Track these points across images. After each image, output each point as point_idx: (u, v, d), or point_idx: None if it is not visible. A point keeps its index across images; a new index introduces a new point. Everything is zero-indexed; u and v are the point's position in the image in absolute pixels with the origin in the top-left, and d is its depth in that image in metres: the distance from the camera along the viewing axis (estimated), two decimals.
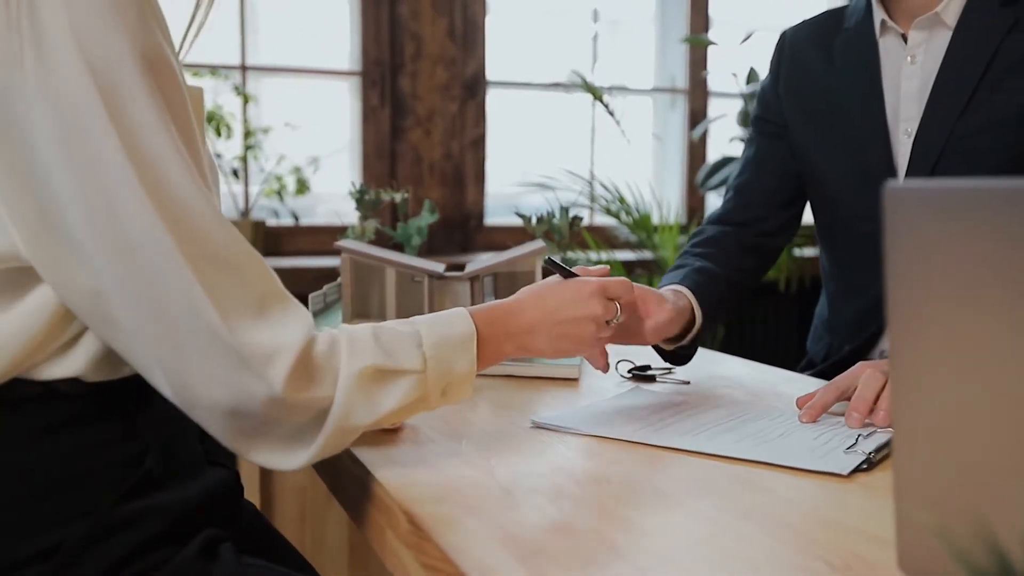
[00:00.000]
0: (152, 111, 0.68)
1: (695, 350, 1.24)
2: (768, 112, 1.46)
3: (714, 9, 3.20)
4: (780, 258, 2.71)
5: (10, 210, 0.69)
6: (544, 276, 1.00)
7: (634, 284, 1.02)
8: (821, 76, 1.38)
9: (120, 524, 0.74)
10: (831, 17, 1.42)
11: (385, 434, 0.91)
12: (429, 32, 2.79)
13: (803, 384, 1.21)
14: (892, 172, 1.29)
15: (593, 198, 2.82)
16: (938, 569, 0.57)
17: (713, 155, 3.15)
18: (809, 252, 2.96)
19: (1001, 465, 0.53)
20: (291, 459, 0.74)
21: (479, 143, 2.89)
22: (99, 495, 0.75)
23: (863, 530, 0.68)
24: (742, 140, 2.99)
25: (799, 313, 3.05)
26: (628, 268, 2.69)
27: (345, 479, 0.88)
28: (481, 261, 1.37)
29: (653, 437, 0.91)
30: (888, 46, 1.32)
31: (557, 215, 1.50)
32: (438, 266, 1.36)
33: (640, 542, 0.66)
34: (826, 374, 1.29)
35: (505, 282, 1.37)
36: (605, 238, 2.78)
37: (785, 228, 1.44)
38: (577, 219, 1.48)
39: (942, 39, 1.26)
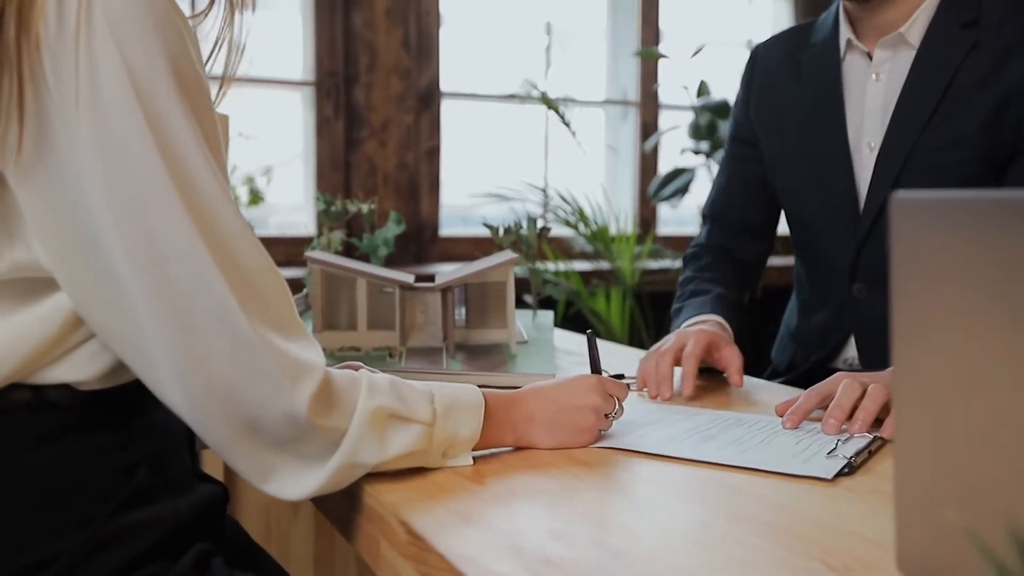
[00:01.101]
0: (188, 127, 0.70)
1: None
2: (740, 130, 1.51)
3: (664, 23, 3.25)
4: None
5: (35, 220, 0.70)
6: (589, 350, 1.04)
7: (702, 333, 1.18)
8: (789, 91, 1.42)
9: (114, 537, 0.74)
10: (800, 33, 1.46)
11: None
12: (383, 43, 2.79)
13: (774, 391, 1.23)
14: (853, 186, 1.33)
15: (547, 208, 2.83)
16: (938, 570, 0.59)
17: (665, 167, 3.19)
18: None
19: (1002, 470, 0.55)
20: (298, 487, 0.74)
21: (434, 154, 2.89)
22: (93, 507, 0.74)
23: (856, 532, 0.70)
24: (694, 152, 3.04)
25: (753, 323, 3.10)
26: (584, 279, 2.71)
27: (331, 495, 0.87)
28: (452, 272, 1.37)
29: (635, 444, 0.92)
30: (853, 63, 1.35)
31: (524, 225, 1.51)
32: (408, 277, 1.35)
33: (640, 548, 0.67)
34: (791, 384, 1.32)
35: (476, 293, 1.37)
36: (562, 249, 2.80)
37: (766, 247, 1.54)
38: (545, 229, 1.49)
39: (906, 58, 1.29)
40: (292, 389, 0.71)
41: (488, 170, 3.14)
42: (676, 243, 3.17)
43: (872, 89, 1.33)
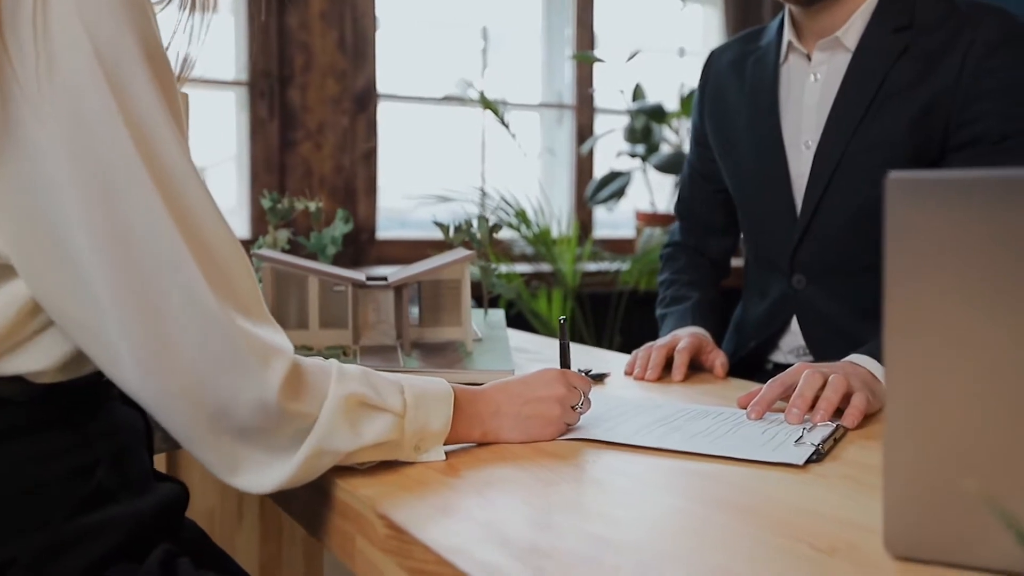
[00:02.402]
0: (158, 103, 0.68)
1: None
2: (697, 132, 1.58)
3: (598, 27, 3.28)
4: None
5: None
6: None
7: (687, 337, 1.30)
8: (735, 93, 1.47)
9: (76, 538, 0.71)
10: (750, 37, 1.51)
11: None
12: (319, 44, 2.75)
13: (727, 385, 1.25)
14: (788, 182, 1.37)
15: (486, 210, 2.83)
16: (925, 549, 0.60)
17: (600, 170, 3.22)
18: None
19: (991, 449, 0.56)
20: (268, 478, 0.72)
21: (371, 156, 2.86)
22: (52, 507, 0.71)
23: (834, 516, 0.70)
24: (630, 155, 3.07)
25: None
26: (525, 281, 2.71)
27: (297, 489, 0.85)
28: (406, 270, 1.35)
29: (604, 436, 0.92)
30: (794, 64, 1.39)
31: (475, 224, 1.50)
32: (360, 275, 1.33)
33: (627, 536, 0.66)
34: (733, 370, 1.35)
35: (429, 291, 1.35)
36: (502, 251, 2.80)
37: (732, 243, 1.61)
38: (496, 227, 1.49)
39: (842, 60, 1.33)
40: (262, 372, 0.69)
41: (424, 173, 3.12)
42: (612, 245, 3.19)
43: (810, 89, 1.37)
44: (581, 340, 2.74)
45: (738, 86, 1.46)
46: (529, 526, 0.68)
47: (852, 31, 1.32)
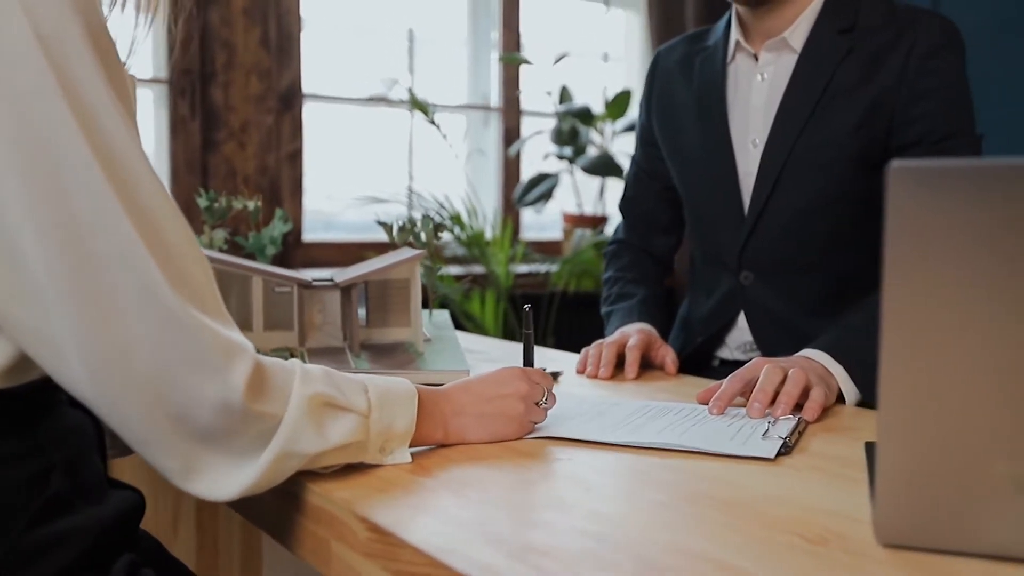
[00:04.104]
0: (104, 86, 0.64)
1: None
2: (644, 131, 1.58)
3: (523, 31, 3.28)
4: (600, 269, 2.81)
5: None
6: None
7: (636, 334, 1.30)
8: (682, 91, 1.47)
9: (36, 551, 0.66)
10: (697, 37, 1.52)
11: None
12: (242, 41, 2.68)
13: (680, 381, 1.25)
14: (736, 180, 1.38)
15: (413, 211, 2.80)
16: (916, 538, 0.61)
17: (527, 172, 3.22)
18: None
19: (988, 438, 0.56)
20: (229, 484, 0.68)
21: (296, 157, 2.81)
22: (7, 519, 0.66)
23: (817, 507, 0.71)
24: (558, 157, 3.08)
25: None
26: (458, 282, 2.69)
27: (264, 495, 0.82)
28: (353, 269, 1.32)
29: (572, 433, 0.91)
30: (741, 64, 1.41)
31: (419, 224, 1.48)
32: (306, 275, 1.30)
33: (619, 531, 0.65)
34: (680, 367, 1.36)
35: (376, 291, 1.33)
36: (435, 252, 2.77)
37: (675, 241, 1.62)
38: (441, 227, 1.46)
39: (789, 61, 1.36)
40: (225, 371, 0.65)
41: (349, 175, 3.08)
42: (540, 247, 3.19)
43: (757, 88, 1.38)
44: (516, 342, 2.73)
45: (686, 85, 1.47)
46: (517, 524, 0.67)
47: (798, 32, 1.34)
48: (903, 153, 1.27)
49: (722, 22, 1.46)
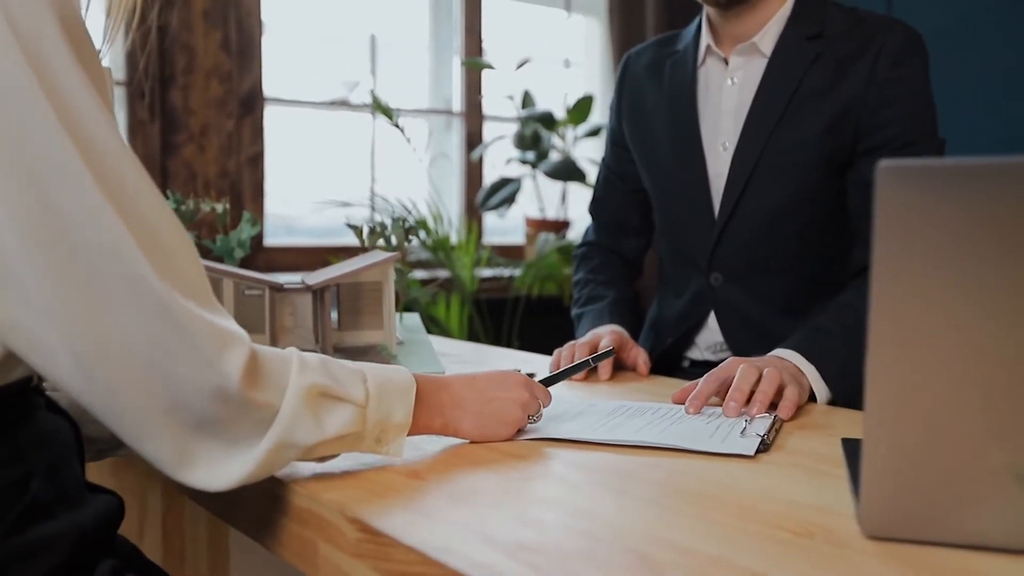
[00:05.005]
0: (80, 77, 0.63)
1: None
2: (614, 133, 1.59)
3: (485, 35, 3.28)
4: (563, 274, 2.83)
5: None
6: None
7: (608, 335, 1.32)
8: (653, 94, 1.49)
9: (16, 557, 0.65)
10: (666, 41, 1.54)
11: None
12: (201, 44, 2.66)
13: (652, 382, 1.26)
14: (707, 183, 1.40)
15: (375, 215, 2.79)
16: (901, 530, 0.62)
17: (491, 176, 3.22)
18: None
19: (973, 432, 0.58)
20: (225, 473, 0.67)
21: (257, 160, 2.78)
22: None
23: (800, 502, 0.72)
24: (521, 162, 3.08)
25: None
26: (425, 286, 2.69)
27: (246, 497, 0.81)
28: (325, 272, 1.32)
29: (553, 433, 0.91)
30: (711, 68, 1.43)
31: (390, 226, 1.47)
32: (277, 278, 1.29)
33: (610, 529, 0.66)
34: (653, 366, 1.37)
35: (348, 294, 1.32)
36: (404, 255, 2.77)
37: (645, 243, 1.63)
38: (413, 229, 1.46)
39: (758, 65, 1.38)
40: (220, 360, 0.65)
41: (311, 179, 3.06)
42: (503, 252, 3.20)
43: (727, 92, 1.40)
44: (484, 344, 2.74)
45: (656, 89, 1.49)
46: (508, 523, 0.67)
47: (768, 37, 1.37)
48: (869, 157, 1.29)
49: (692, 27, 1.47)
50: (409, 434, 0.81)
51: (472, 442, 0.89)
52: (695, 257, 1.43)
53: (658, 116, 1.47)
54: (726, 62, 1.41)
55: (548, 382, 1.00)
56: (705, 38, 1.42)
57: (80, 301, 0.62)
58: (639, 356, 1.31)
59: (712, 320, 1.43)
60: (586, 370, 1.26)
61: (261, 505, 0.78)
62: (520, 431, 0.92)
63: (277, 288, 1.27)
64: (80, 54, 0.64)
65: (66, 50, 0.63)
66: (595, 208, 1.65)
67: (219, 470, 0.67)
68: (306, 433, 0.70)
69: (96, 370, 0.62)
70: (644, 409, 1.03)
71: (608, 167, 1.62)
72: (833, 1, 1.38)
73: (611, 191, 1.61)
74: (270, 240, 2.87)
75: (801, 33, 1.35)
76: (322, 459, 0.76)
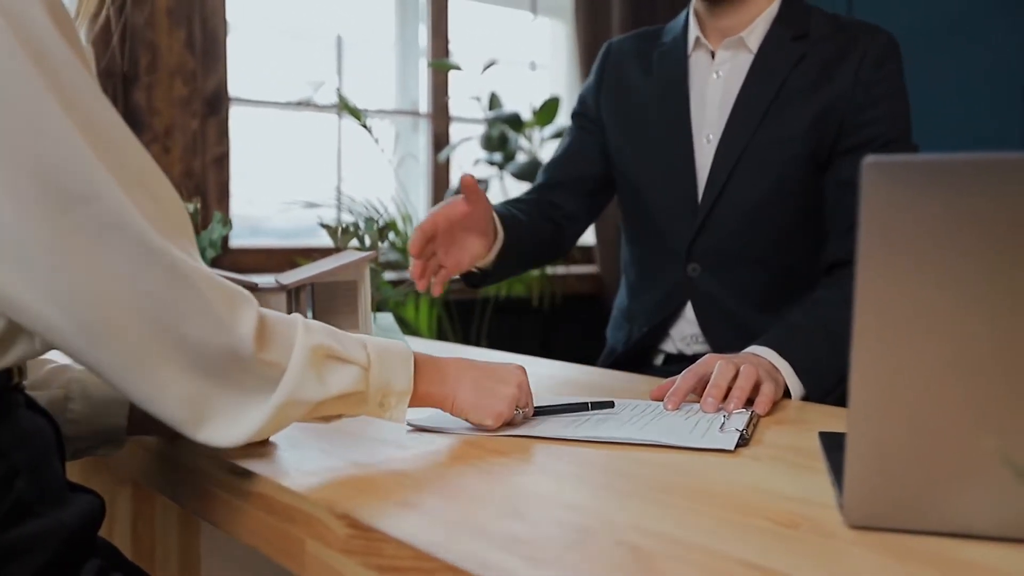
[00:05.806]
0: (55, 31, 0.64)
1: (489, 279, 1.36)
2: (587, 111, 1.57)
3: (452, 36, 3.28)
4: (532, 275, 2.83)
5: None
6: None
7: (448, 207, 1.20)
8: (638, 84, 1.50)
9: (3, 555, 0.64)
10: (651, 33, 1.55)
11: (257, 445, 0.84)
12: (166, 43, 2.63)
13: (627, 379, 1.27)
14: (693, 175, 1.42)
15: (341, 215, 2.78)
16: (885, 520, 0.63)
17: (457, 177, 3.22)
18: (561, 270, 3.11)
19: (956, 425, 0.59)
20: (236, 428, 0.70)
21: (223, 161, 2.76)
22: None
23: (782, 494, 0.73)
24: (489, 163, 3.09)
25: (545, 328, 3.19)
26: (395, 287, 2.68)
27: (228, 497, 0.81)
28: (300, 271, 1.31)
29: (536, 431, 0.92)
30: (698, 60, 1.45)
31: (363, 225, 1.47)
32: (251, 278, 1.28)
33: (599, 521, 0.66)
34: (629, 356, 1.38)
35: (323, 293, 1.32)
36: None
37: (582, 216, 1.55)
38: (386, 229, 1.46)
39: (744, 60, 1.41)
40: (233, 321, 0.67)
41: (277, 180, 3.04)
42: None
43: (713, 85, 1.43)
44: (455, 343, 2.74)
45: (643, 75, 1.50)
46: (498, 518, 0.67)
47: (755, 34, 1.40)
48: (849, 156, 1.33)
49: (678, 21, 1.50)
50: (410, 404, 0.83)
51: (468, 426, 0.91)
52: (673, 246, 1.44)
53: (643, 105, 1.48)
54: (713, 55, 1.43)
55: (540, 412, 1.00)
56: (693, 30, 1.45)
57: (89, 274, 0.62)
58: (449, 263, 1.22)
59: (688, 311, 1.44)
60: (420, 247, 1.20)
61: (244, 504, 0.78)
62: (508, 424, 0.93)
63: (251, 288, 1.26)
64: (61, 30, 0.65)
65: (52, 27, 0.63)
66: (545, 173, 1.56)
67: (231, 426, 0.70)
68: (312, 390, 0.73)
69: (112, 340, 0.64)
70: (624, 406, 1.04)
71: (571, 136, 1.57)
72: (815, 6, 1.42)
73: (570, 155, 1.55)
74: (236, 241, 2.84)
75: (787, 33, 1.39)
76: (327, 419, 0.78)
